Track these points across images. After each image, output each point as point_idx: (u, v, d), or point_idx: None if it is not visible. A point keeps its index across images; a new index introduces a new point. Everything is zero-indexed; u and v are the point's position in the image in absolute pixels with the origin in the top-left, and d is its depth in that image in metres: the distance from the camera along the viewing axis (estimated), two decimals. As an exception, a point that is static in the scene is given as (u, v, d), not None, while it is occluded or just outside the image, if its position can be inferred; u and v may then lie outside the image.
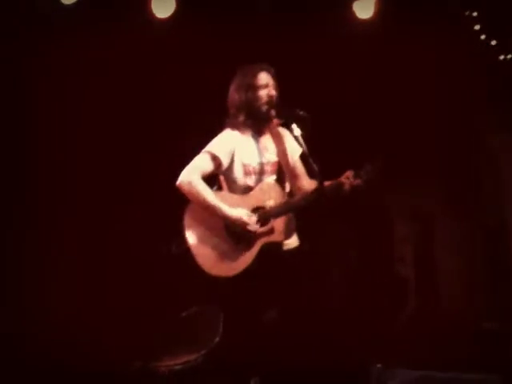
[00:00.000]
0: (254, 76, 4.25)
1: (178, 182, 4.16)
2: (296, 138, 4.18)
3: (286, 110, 4.25)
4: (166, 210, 4.53)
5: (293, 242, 4.33)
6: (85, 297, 6.12)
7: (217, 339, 4.44)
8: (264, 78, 4.26)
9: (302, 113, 4.19)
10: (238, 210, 4.11)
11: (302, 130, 4.17)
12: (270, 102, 4.24)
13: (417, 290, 6.71)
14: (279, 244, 4.20)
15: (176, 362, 4.68)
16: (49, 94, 6.10)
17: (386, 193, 6.54)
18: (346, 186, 4.11)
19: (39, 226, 6.14)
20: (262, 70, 4.27)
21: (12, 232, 6.04)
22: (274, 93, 4.26)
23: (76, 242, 6.23)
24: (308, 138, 4.15)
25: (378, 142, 6.20)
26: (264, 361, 4.16)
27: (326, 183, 4.13)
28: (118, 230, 6.24)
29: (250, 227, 4.09)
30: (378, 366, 4.10)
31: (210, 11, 5.92)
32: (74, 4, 5.74)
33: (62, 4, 5.74)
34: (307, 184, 4.37)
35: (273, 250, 4.16)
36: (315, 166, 4.08)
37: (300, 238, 4.42)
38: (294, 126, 4.19)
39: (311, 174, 4.25)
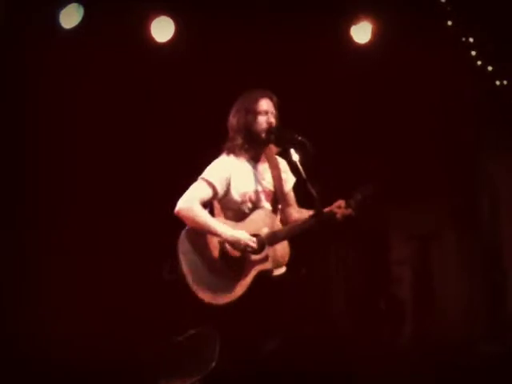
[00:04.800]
0: (255, 101, 4.23)
1: (176, 210, 4.10)
2: (294, 163, 4.19)
3: (284, 135, 4.25)
4: (163, 230, 4.50)
5: (282, 268, 4.29)
6: (76, 315, 6.12)
7: (213, 364, 4.42)
8: (265, 104, 4.23)
9: (300, 138, 4.18)
10: (239, 232, 4.08)
11: (300, 155, 4.18)
12: (269, 129, 4.22)
13: (414, 311, 6.71)
14: (272, 272, 4.19)
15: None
16: (49, 114, 6.13)
17: (384, 214, 6.57)
18: (338, 216, 4.14)
19: (39, 228, 6.17)
20: (264, 96, 4.25)
21: (11, 233, 6.06)
22: (273, 120, 4.23)
23: (75, 246, 6.24)
24: (307, 164, 4.16)
25: (375, 164, 6.23)
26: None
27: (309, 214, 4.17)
28: (114, 252, 6.24)
29: (252, 244, 4.06)
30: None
31: (209, 35, 5.95)
32: (74, 28, 5.77)
33: (63, 28, 5.78)
34: (296, 213, 4.38)
35: (267, 278, 4.15)
36: (314, 192, 4.09)
37: (297, 261, 4.41)
38: (292, 151, 4.20)
39: (311, 200, 4.24)
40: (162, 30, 5.98)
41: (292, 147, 4.18)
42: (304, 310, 6.00)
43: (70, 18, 5.79)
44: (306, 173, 4.12)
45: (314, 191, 4.08)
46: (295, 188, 4.42)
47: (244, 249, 4.06)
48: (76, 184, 6.22)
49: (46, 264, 6.14)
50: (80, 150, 6.21)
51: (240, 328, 4.11)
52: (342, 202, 4.17)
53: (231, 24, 5.90)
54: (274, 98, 4.29)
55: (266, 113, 4.23)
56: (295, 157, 4.17)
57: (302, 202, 4.45)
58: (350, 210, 4.14)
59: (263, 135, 4.22)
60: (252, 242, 4.06)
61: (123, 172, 6.27)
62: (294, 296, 4.38)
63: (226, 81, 5.74)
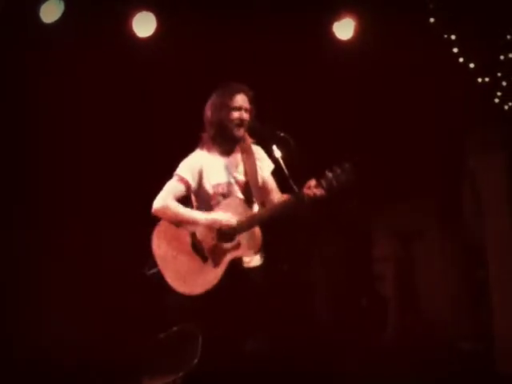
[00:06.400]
0: (231, 96, 4.24)
1: (152, 210, 4.20)
2: (276, 160, 4.18)
3: (266, 131, 4.25)
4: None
5: (256, 260, 4.27)
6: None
7: (195, 361, 4.41)
8: (240, 100, 4.24)
9: (282, 134, 4.18)
10: (214, 214, 4.14)
11: (282, 151, 4.17)
12: (241, 124, 4.22)
13: (396, 309, 6.73)
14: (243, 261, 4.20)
15: (155, 384, 4.66)
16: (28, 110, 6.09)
17: (368, 211, 6.59)
18: (311, 196, 4.05)
19: (39, 229, 6.21)
20: (239, 91, 4.26)
21: (12, 233, 6.09)
22: (246, 116, 4.24)
23: (75, 247, 6.31)
24: (291, 160, 4.15)
25: (358, 163, 6.22)
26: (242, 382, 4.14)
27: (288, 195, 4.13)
28: (114, 252, 6.27)
29: (227, 222, 4.10)
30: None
31: (191, 31, 5.93)
32: (54, 22, 5.72)
33: (43, 22, 5.72)
34: (278, 199, 4.34)
35: (240, 268, 4.17)
36: (296, 188, 4.08)
37: (279, 258, 4.41)
38: (274, 147, 4.19)
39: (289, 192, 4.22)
40: (144, 25, 5.95)
41: (274, 144, 4.18)
42: (285, 308, 6.01)
43: (51, 12, 5.73)
44: (288, 169, 4.12)
45: (296, 188, 4.07)
46: (275, 174, 4.38)
47: (222, 227, 4.09)
48: (75, 183, 6.24)
49: (45, 264, 6.19)
50: (62, 147, 6.21)
51: (220, 326, 4.12)
52: (312, 182, 4.09)
53: (213, 19, 5.90)
54: (250, 93, 4.30)
55: (240, 108, 4.24)
56: (277, 153, 4.16)
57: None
58: (321, 191, 4.04)
59: (235, 131, 4.24)
60: (229, 221, 4.10)
61: (116, 169, 6.30)
62: (275, 293, 4.38)
63: (208, 76, 5.71)
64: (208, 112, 4.29)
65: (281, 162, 4.15)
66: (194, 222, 4.15)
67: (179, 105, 6.04)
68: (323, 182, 4.04)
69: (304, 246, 6.51)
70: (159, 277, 4.15)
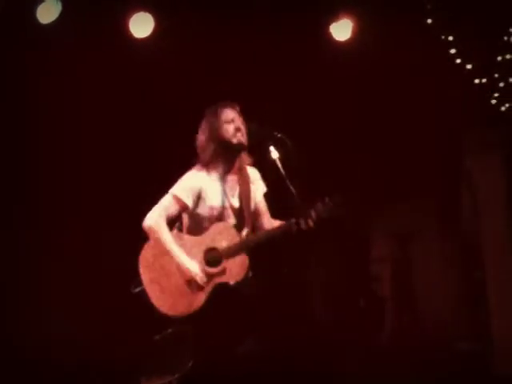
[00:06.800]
0: (219, 112, 4.23)
1: (146, 226, 4.18)
2: (273, 161, 4.18)
3: (263, 132, 4.25)
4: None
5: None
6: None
7: (190, 363, 4.41)
8: (230, 113, 4.23)
9: (279, 135, 4.19)
10: (192, 265, 4.11)
11: (280, 153, 4.17)
12: (238, 134, 4.20)
13: (394, 310, 6.74)
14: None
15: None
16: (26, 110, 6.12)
17: (366, 213, 6.59)
18: (302, 226, 4.06)
19: (39, 229, 6.24)
20: (225, 106, 4.26)
21: (11, 234, 6.13)
22: (240, 125, 4.22)
23: (75, 247, 6.34)
24: (288, 162, 4.15)
25: (355, 164, 6.24)
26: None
27: (277, 224, 4.16)
28: (114, 253, 6.25)
29: (198, 280, 4.11)
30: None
31: (188, 32, 5.94)
32: (51, 23, 5.73)
33: (40, 23, 5.73)
34: (267, 223, 4.35)
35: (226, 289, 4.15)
36: (293, 189, 4.08)
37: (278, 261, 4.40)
38: (271, 148, 4.19)
39: (290, 198, 4.21)
40: (141, 25, 5.95)
41: (271, 145, 4.18)
42: (285, 308, 6.02)
43: (48, 13, 5.74)
44: (285, 170, 4.12)
45: (293, 189, 4.07)
46: (268, 197, 4.40)
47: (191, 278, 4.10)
48: (75, 184, 6.26)
49: (45, 264, 6.21)
50: (61, 146, 6.22)
51: (216, 328, 4.12)
52: (301, 216, 4.08)
53: (211, 20, 5.91)
54: (237, 107, 4.29)
55: (233, 120, 4.22)
56: (275, 154, 4.16)
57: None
58: (311, 223, 4.06)
59: (233, 141, 4.21)
60: (199, 278, 4.09)
61: (115, 169, 6.32)
62: (268, 296, 4.38)
63: (206, 76, 5.73)
64: (202, 136, 4.26)
65: (278, 162, 4.15)
66: (174, 259, 4.13)
67: (178, 105, 6.05)
68: (313, 214, 4.05)
69: (302, 248, 6.51)
70: (145, 295, 4.15)
